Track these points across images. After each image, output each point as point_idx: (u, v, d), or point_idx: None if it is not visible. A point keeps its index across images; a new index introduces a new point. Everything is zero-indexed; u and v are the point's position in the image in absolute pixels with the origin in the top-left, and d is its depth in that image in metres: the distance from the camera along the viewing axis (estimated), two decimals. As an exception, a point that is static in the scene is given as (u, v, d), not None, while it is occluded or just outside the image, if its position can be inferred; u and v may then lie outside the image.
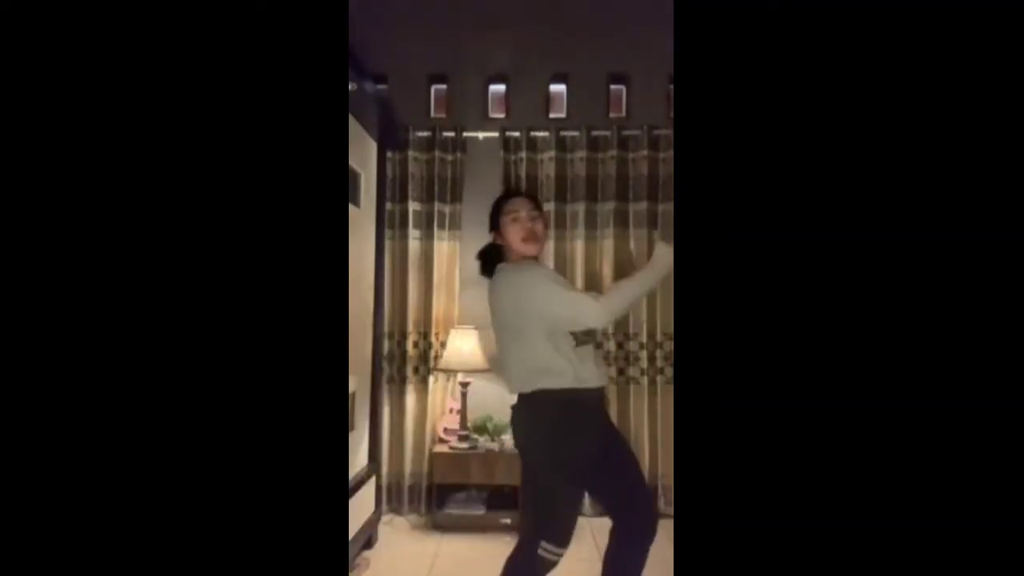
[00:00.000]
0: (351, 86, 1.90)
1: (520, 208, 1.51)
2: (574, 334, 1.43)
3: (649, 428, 2.67)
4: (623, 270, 2.69)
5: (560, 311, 1.41)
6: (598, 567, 2.15)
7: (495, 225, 1.56)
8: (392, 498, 2.68)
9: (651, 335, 2.69)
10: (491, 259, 1.55)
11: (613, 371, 2.67)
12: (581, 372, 1.41)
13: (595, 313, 1.39)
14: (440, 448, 2.58)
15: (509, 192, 1.63)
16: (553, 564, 1.44)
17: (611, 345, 2.67)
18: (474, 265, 1.60)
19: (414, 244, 2.70)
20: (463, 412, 2.58)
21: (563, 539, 1.43)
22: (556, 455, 1.42)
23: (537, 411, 1.44)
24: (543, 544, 1.42)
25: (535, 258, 1.55)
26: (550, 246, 2.68)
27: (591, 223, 2.71)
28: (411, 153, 2.71)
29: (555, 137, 2.71)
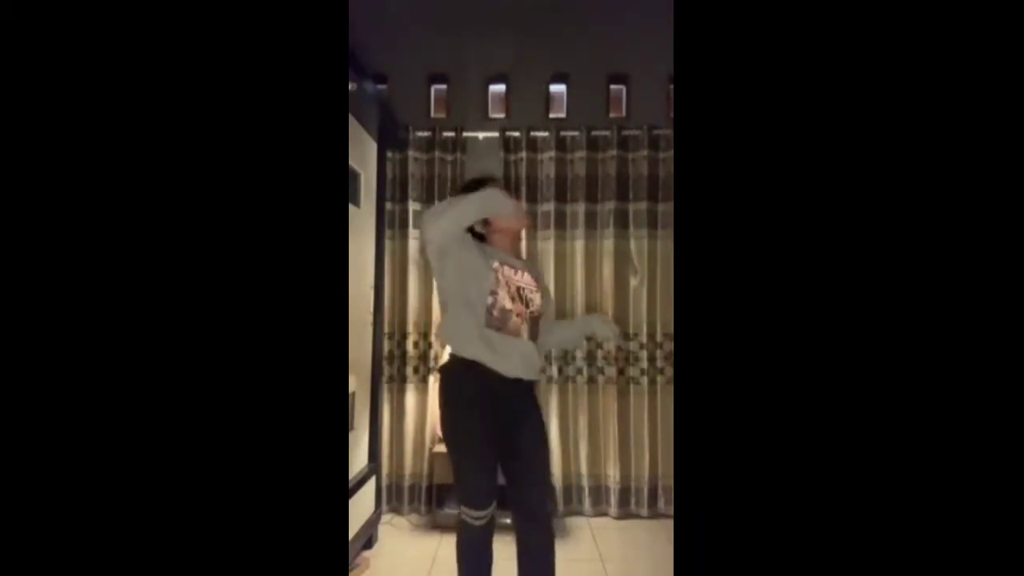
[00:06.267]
0: (351, 86, 1.90)
1: (513, 225, 1.56)
2: (489, 319, 1.47)
3: (649, 428, 2.67)
4: (623, 271, 2.70)
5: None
6: (598, 567, 2.16)
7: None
8: (392, 498, 2.68)
9: (651, 335, 2.69)
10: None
11: (613, 371, 2.67)
12: (479, 348, 1.46)
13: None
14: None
15: (480, 179, 1.61)
16: (479, 528, 1.47)
17: (611, 345, 2.67)
18: None
19: (414, 244, 2.70)
20: (463, 412, 2.58)
21: (477, 502, 1.46)
22: (453, 416, 1.49)
23: (446, 372, 1.52)
24: (463, 509, 1.47)
25: (518, 244, 1.62)
26: (550, 245, 2.68)
27: (591, 223, 2.71)
28: (411, 153, 2.71)
29: (555, 137, 2.71)
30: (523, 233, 1.61)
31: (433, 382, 2.69)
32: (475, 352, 1.45)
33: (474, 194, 1.45)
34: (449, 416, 1.50)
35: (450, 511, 2.55)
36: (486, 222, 1.56)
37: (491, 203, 1.45)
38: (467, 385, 1.47)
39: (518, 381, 1.50)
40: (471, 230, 1.58)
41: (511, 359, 1.47)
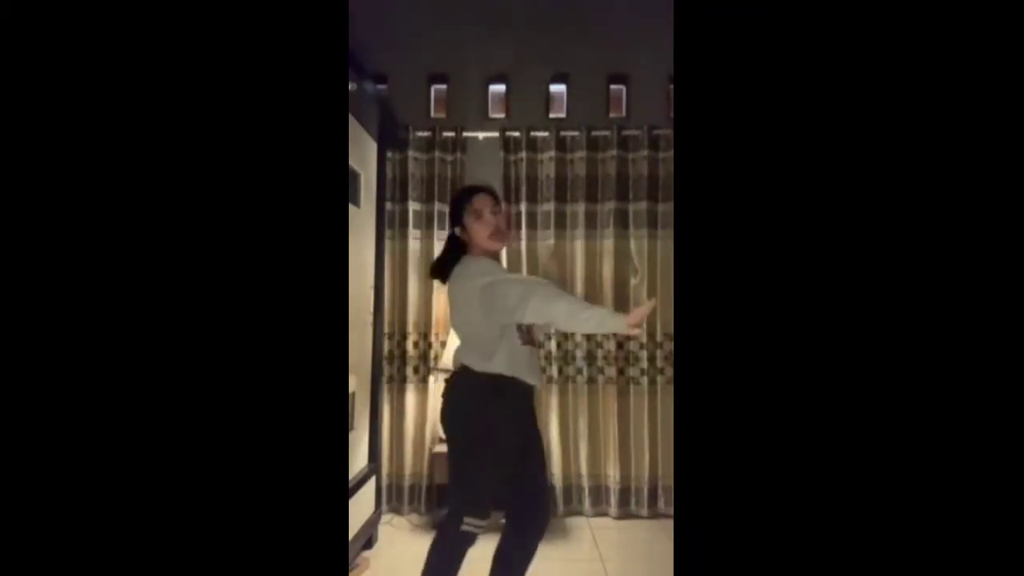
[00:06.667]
0: (351, 86, 1.90)
1: (483, 206, 1.51)
2: (519, 333, 1.47)
3: (649, 428, 2.67)
4: (623, 271, 2.70)
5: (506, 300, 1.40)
6: (598, 567, 2.16)
7: (457, 221, 1.54)
8: (392, 498, 2.68)
9: (651, 335, 2.69)
10: (452, 256, 1.54)
11: (613, 371, 2.67)
12: (515, 364, 1.46)
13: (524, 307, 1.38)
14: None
15: (469, 189, 1.59)
16: (474, 537, 1.48)
17: (611, 345, 2.67)
18: None
19: (414, 244, 2.70)
20: (463, 412, 2.58)
21: (484, 511, 1.46)
22: (471, 429, 1.46)
23: (461, 385, 1.50)
24: (466, 519, 1.45)
25: (498, 254, 1.59)
26: (550, 245, 2.68)
27: (591, 223, 2.71)
28: (411, 153, 2.71)
29: (555, 137, 2.71)
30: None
31: (433, 382, 2.69)
32: (512, 369, 1.45)
33: (600, 315, 1.34)
34: (472, 431, 1.47)
35: (450, 511, 2.55)
36: (463, 228, 1.53)
37: (612, 323, 1.34)
38: (503, 401, 1.46)
39: (533, 388, 1.54)
40: (457, 242, 1.56)
41: (535, 369, 1.51)
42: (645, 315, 1.31)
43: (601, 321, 1.34)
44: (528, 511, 1.56)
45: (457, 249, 1.55)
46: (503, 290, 1.39)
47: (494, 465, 1.47)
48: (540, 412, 2.61)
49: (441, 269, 1.56)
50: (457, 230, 1.55)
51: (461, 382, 1.51)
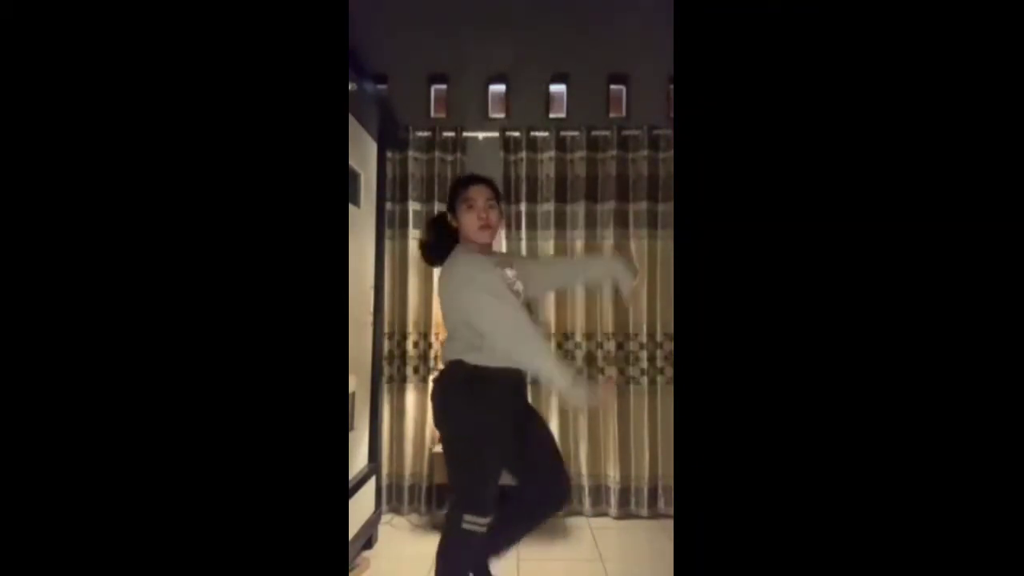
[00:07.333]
0: (351, 86, 1.90)
1: (477, 196, 1.50)
2: None
3: (649, 428, 2.67)
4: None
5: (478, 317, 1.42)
6: (598, 567, 2.16)
7: (452, 208, 1.55)
8: (392, 498, 2.68)
9: (651, 335, 2.69)
10: (441, 242, 1.55)
11: (613, 371, 2.67)
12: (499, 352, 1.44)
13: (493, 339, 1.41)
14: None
15: (467, 178, 1.58)
16: (481, 535, 1.45)
17: (611, 345, 2.67)
18: None
19: (414, 244, 2.70)
20: (463, 412, 2.57)
21: (484, 508, 1.44)
22: (464, 426, 1.45)
23: (451, 381, 1.48)
24: (465, 517, 1.43)
25: (489, 245, 1.57)
26: (550, 245, 2.68)
27: (591, 223, 2.71)
28: (411, 153, 2.71)
29: (555, 137, 2.71)
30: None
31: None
32: (500, 359, 1.43)
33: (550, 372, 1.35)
34: (465, 429, 1.46)
35: (450, 511, 2.55)
36: (455, 216, 1.54)
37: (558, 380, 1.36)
38: (491, 393, 1.45)
39: (518, 374, 1.52)
40: (444, 226, 1.57)
41: None
42: (611, 397, 1.33)
43: (552, 375, 1.35)
44: (540, 489, 1.55)
45: (444, 233, 1.55)
46: (477, 315, 1.40)
47: (490, 461, 1.45)
48: (540, 412, 2.61)
49: (430, 254, 1.56)
50: (449, 216, 1.55)
51: (449, 377, 1.49)
